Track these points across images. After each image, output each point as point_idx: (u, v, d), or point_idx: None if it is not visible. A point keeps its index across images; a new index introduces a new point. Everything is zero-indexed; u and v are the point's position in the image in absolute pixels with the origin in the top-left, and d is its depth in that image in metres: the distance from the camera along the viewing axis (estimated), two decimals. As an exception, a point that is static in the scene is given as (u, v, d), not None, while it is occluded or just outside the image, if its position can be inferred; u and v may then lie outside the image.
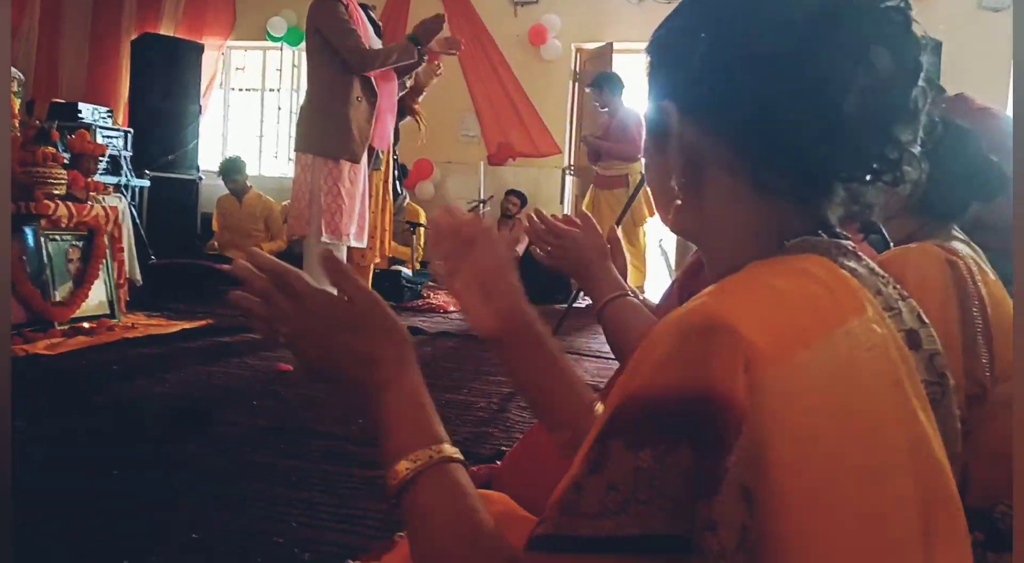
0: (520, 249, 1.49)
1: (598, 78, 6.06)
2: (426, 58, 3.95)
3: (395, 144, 4.75)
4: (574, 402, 0.91)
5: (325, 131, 3.74)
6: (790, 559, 0.52)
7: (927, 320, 0.69)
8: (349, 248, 4.00)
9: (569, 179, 7.70)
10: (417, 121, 4.68)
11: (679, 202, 0.70)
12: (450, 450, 0.70)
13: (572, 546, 0.56)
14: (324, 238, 3.74)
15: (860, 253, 0.69)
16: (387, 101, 3.96)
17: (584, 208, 5.91)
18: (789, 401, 0.53)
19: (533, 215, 1.51)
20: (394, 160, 4.85)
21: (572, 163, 7.70)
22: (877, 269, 0.68)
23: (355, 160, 3.78)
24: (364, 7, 3.87)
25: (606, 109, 5.99)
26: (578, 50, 7.72)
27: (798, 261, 0.63)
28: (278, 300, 0.73)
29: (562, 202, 7.60)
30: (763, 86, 0.62)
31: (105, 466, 2.08)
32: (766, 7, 0.64)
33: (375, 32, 3.90)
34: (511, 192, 7.38)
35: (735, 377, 0.52)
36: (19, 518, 1.83)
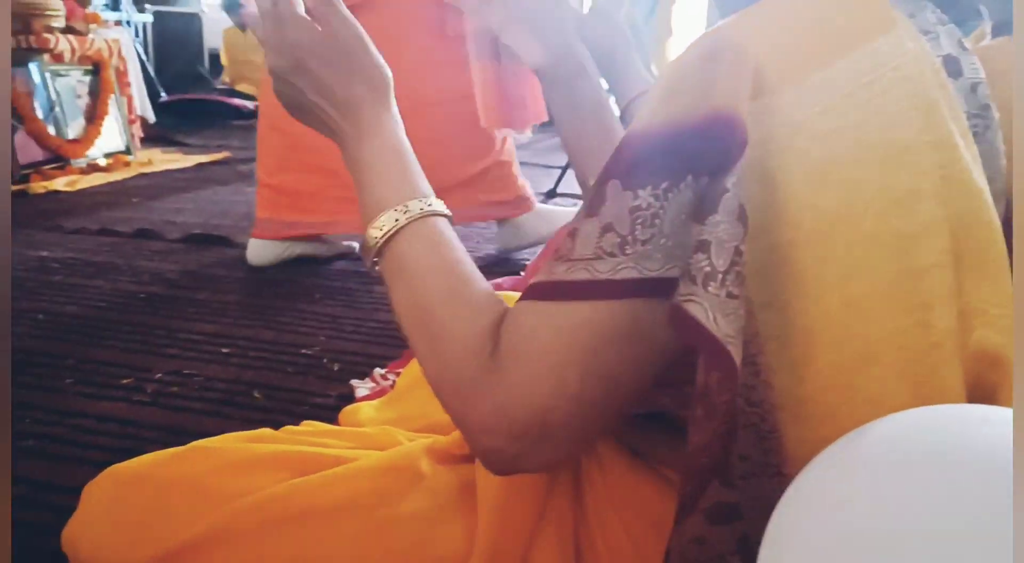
0: None
1: None
2: None
3: None
4: (609, 152, 0.89)
5: None
6: (799, 285, 0.49)
7: (969, 47, 0.63)
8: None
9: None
10: None
11: None
12: (434, 203, 0.64)
13: (566, 292, 0.52)
14: None
15: None
16: None
17: None
18: (801, 125, 0.49)
19: None
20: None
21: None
22: None
23: None
24: None
25: None
26: None
27: None
28: (266, 23, 0.67)
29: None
30: None
31: (128, 285, 2.10)
32: None
33: None
34: None
35: (739, 95, 0.48)
36: (45, 336, 1.88)
